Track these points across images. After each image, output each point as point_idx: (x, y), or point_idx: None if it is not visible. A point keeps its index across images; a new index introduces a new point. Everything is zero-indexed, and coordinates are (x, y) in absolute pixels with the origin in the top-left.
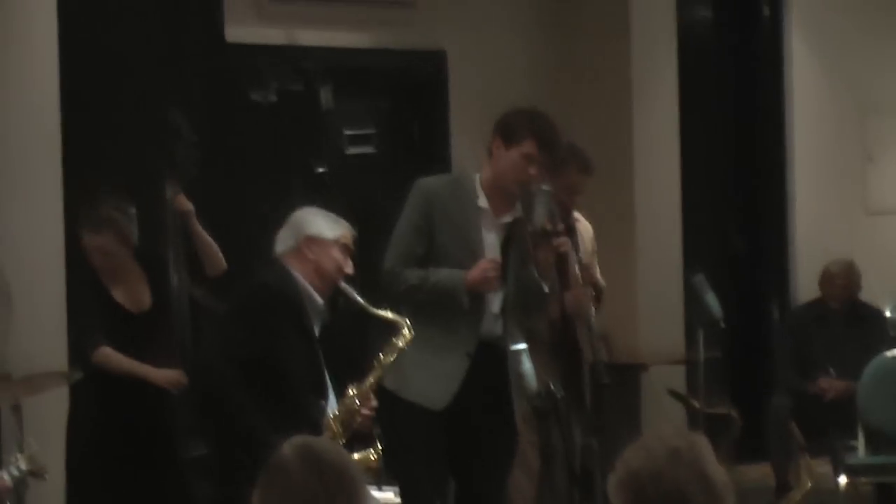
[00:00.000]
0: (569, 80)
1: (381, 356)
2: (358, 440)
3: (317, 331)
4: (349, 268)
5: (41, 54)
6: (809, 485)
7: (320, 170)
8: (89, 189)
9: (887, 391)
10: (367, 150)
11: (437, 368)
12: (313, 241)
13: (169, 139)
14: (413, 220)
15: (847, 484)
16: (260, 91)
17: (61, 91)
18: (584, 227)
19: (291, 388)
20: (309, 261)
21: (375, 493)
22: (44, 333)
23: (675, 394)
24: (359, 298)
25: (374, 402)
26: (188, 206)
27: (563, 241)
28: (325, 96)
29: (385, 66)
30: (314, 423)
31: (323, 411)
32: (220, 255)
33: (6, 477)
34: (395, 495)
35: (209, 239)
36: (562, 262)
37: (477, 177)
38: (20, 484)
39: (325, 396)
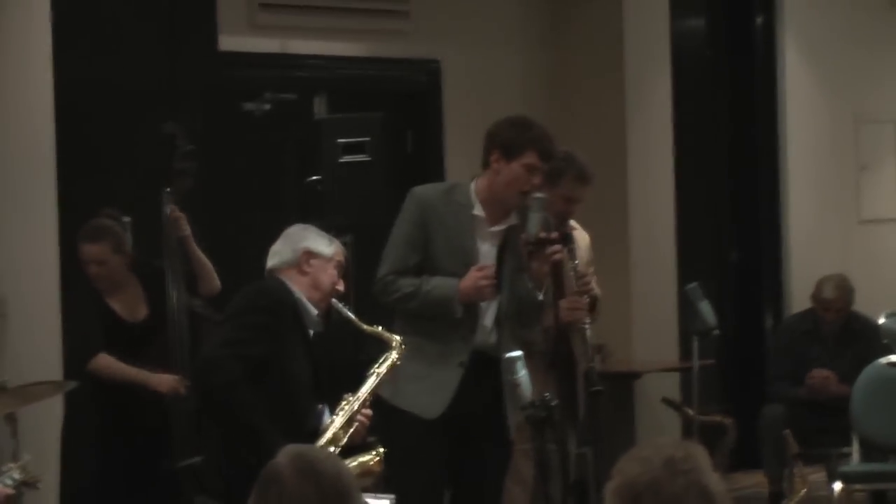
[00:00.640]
0: (563, 90)
1: (376, 368)
2: (352, 449)
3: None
4: (342, 286)
5: (36, 66)
6: (803, 492)
7: (314, 178)
8: (84, 200)
9: (881, 399)
10: (361, 158)
11: (431, 378)
12: (312, 256)
13: (164, 149)
14: (407, 229)
15: (841, 491)
16: (253, 100)
17: (56, 101)
18: (580, 235)
19: (292, 391)
20: (306, 275)
21: (371, 501)
22: (39, 343)
23: (669, 402)
24: (351, 315)
25: (368, 410)
26: (186, 229)
27: (557, 250)
28: (319, 105)
29: (379, 75)
30: (313, 428)
31: (321, 417)
32: (215, 276)
33: (1, 486)
34: (392, 503)
35: (205, 260)
36: (556, 270)
37: (472, 185)
38: (16, 489)
39: (322, 402)
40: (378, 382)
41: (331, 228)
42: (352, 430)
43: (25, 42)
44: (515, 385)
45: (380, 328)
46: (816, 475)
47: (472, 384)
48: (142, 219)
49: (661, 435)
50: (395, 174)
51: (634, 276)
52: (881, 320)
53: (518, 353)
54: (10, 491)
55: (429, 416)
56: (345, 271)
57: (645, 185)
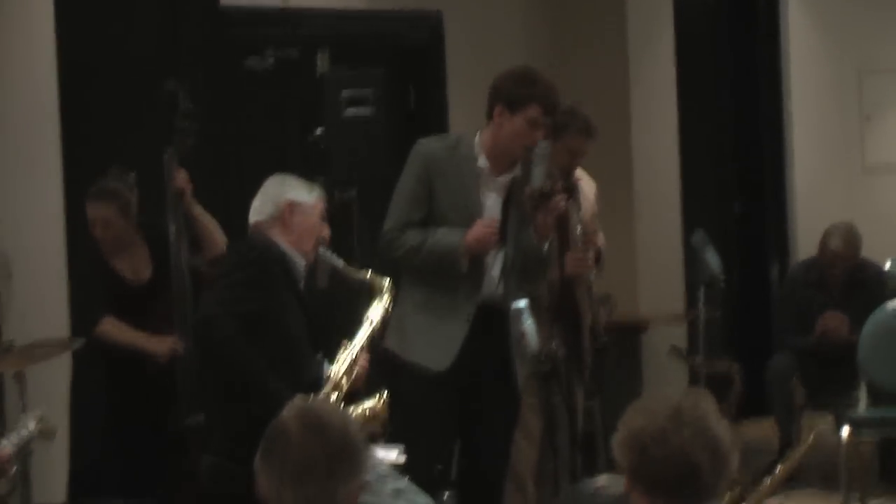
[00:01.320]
0: (565, 42)
1: (368, 314)
2: (355, 395)
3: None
4: (326, 232)
5: (38, 26)
6: (810, 440)
7: (317, 133)
8: (89, 159)
9: (888, 344)
10: (364, 113)
11: (438, 331)
12: (295, 206)
13: (166, 108)
14: (412, 183)
15: (849, 437)
16: (255, 56)
17: (58, 63)
18: (587, 185)
19: (289, 342)
20: (291, 226)
21: (380, 452)
22: (45, 302)
23: (676, 351)
24: (337, 262)
25: (366, 355)
26: (183, 185)
27: (560, 200)
28: (321, 60)
29: (381, 28)
30: (314, 378)
31: (321, 366)
32: (218, 236)
33: (6, 444)
34: (400, 453)
35: (209, 221)
36: (561, 222)
37: (476, 137)
38: (25, 447)
39: (319, 352)
40: (373, 328)
41: (335, 184)
42: (353, 377)
43: (28, 2)
44: (522, 335)
45: (368, 272)
46: (825, 422)
47: (480, 336)
48: (145, 178)
49: (667, 385)
50: (398, 129)
51: (639, 227)
52: (887, 266)
53: (524, 302)
54: (9, 450)
55: (437, 368)
56: (336, 213)
57: (648, 136)
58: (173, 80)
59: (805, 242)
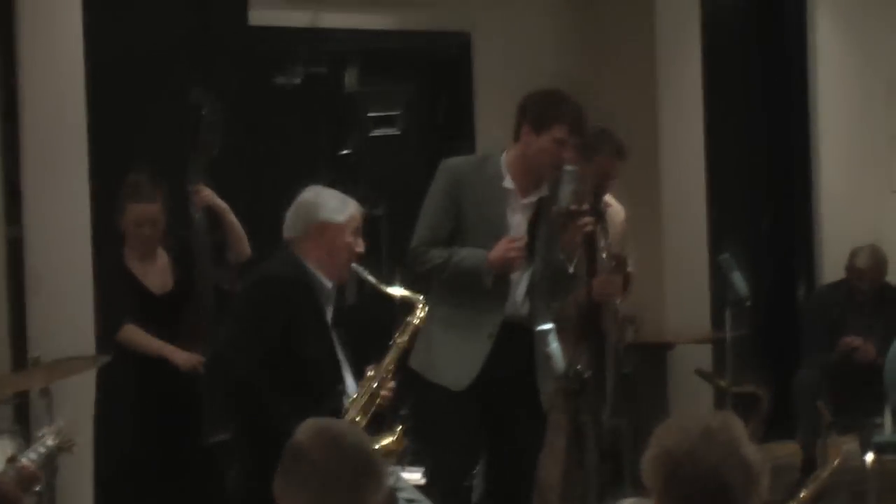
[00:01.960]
0: (594, 60)
1: (397, 336)
2: (379, 422)
3: (329, 315)
4: (360, 247)
5: (67, 38)
6: (837, 462)
7: (345, 152)
8: (117, 175)
9: None
10: (392, 131)
11: (460, 349)
12: (326, 226)
13: (192, 118)
14: (439, 201)
15: (874, 461)
16: (284, 74)
17: (87, 75)
18: (615, 211)
19: (310, 377)
20: (320, 246)
21: (403, 473)
22: (72, 318)
23: (702, 373)
24: (370, 278)
25: (392, 383)
26: (211, 199)
27: (588, 221)
28: (350, 78)
29: (409, 47)
30: (334, 410)
31: (341, 397)
32: (246, 242)
33: (26, 461)
34: (423, 475)
35: (236, 224)
36: (588, 242)
37: (502, 157)
38: (50, 461)
39: (341, 382)
40: (400, 351)
41: (363, 201)
42: (373, 407)
43: (56, 13)
44: (548, 357)
45: (402, 289)
46: (850, 444)
47: (504, 355)
48: (171, 190)
49: (694, 406)
50: (426, 146)
51: (666, 246)
52: None
53: (550, 325)
54: (32, 466)
55: (457, 387)
56: (364, 230)
57: (676, 155)
58: (200, 90)
59: (832, 263)
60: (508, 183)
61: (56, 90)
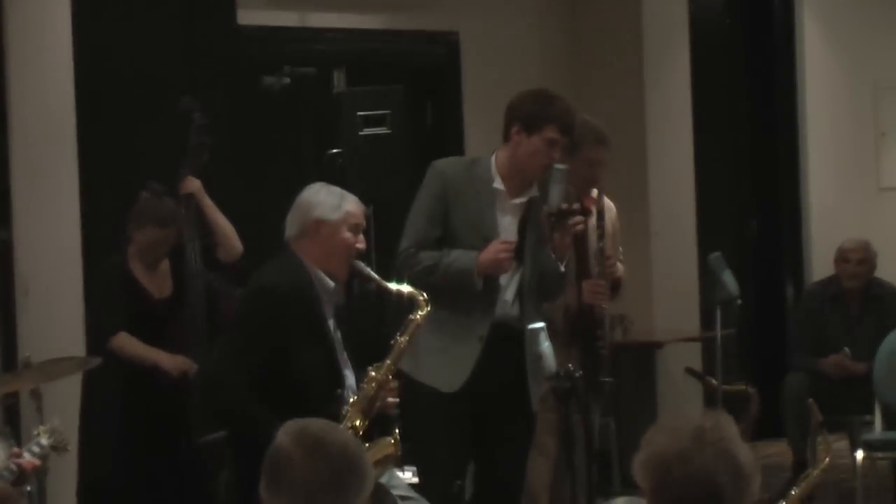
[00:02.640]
0: (581, 61)
1: (399, 336)
2: (380, 423)
3: (330, 314)
4: (361, 244)
5: (55, 42)
6: (827, 461)
7: (333, 152)
8: (106, 177)
9: None
10: (381, 131)
11: (450, 352)
12: (321, 224)
13: (182, 125)
14: (428, 202)
15: (864, 460)
16: (272, 74)
17: (76, 78)
18: (608, 207)
19: (306, 388)
20: (318, 244)
21: (396, 472)
22: (62, 320)
23: (692, 372)
24: (373, 274)
25: (393, 385)
26: (195, 184)
27: (579, 220)
28: (338, 79)
29: (398, 48)
30: (332, 416)
31: (341, 402)
32: (236, 239)
33: (28, 455)
34: (414, 475)
35: (224, 223)
36: (578, 242)
37: (492, 158)
38: (42, 461)
39: (341, 386)
40: (402, 351)
41: None
42: (374, 409)
43: (44, 20)
44: (539, 357)
45: (405, 285)
46: (839, 443)
47: (494, 357)
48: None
49: (683, 405)
50: (414, 147)
51: (655, 246)
52: None
53: (541, 324)
54: (36, 462)
55: (448, 389)
56: (363, 228)
57: (664, 155)
58: (189, 96)
59: (820, 262)
60: (498, 184)
61: (45, 94)
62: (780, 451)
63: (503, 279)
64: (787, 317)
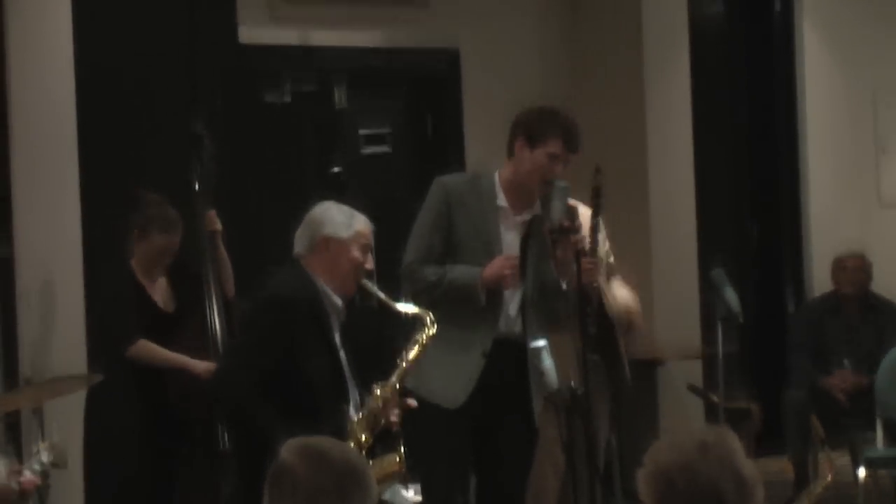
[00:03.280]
0: (582, 77)
1: (404, 353)
2: (385, 440)
3: (337, 330)
4: (369, 263)
5: (57, 56)
6: (829, 478)
7: (336, 169)
8: (106, 193)
9: None
10: (382, 149)
11: (453, 367)
12: (330, 241)
13: (192, 150)
14: (432, 218)
15: (866, 476)
16: (274, 92)
17: (77, 92)
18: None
19: (312, 398)
20: (327, 261)
21: (401, 490)
22: (63, 337)
23: (693, 388)
24: (380, 294)
25: (398, 402)
26: (217, 225)
27: (581, 238)
28: (340, 96)
29: (399, 65)
30: (337, 429)
31: (346, 416)
32: (231, 280)
33: (28, 473)
34: (416, 493)
35: (227, 262)
36: (580, 258)
37: (496, 175)
38: (43, 477)
39: (346, 401)
40: (407, 369)
41: None
42: (379, 426)
43: (46, 34)
44: (541, 374)
45: (411, 304)
46: (841, 459)
47: (497, 372)
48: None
49: (684, 421)
50: (415, 162)
51: (655, 262)
52: None
53: (543, 342)
54: (37, 480)
55: (450, 405)
56: (371, 248)
57: (664, 170)
58: (200, 122)
59: (820, 278)
60: (502, 201)
61: (46, 107)
62: (781, 467)
63: (506, 294)
64: (788, 333)
